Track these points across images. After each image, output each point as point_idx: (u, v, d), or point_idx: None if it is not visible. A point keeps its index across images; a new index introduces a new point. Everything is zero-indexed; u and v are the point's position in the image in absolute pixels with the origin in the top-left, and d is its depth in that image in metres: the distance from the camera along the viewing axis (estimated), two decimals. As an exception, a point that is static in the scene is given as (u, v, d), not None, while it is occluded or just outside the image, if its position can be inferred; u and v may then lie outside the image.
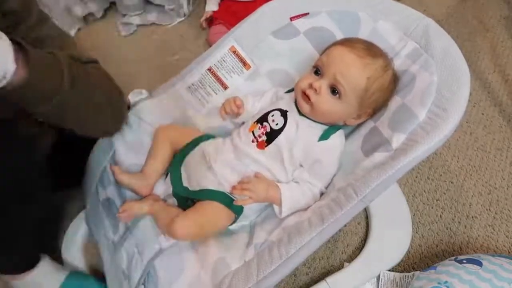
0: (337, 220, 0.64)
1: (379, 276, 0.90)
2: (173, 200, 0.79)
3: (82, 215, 0.90)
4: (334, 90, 0.70)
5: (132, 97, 0.86)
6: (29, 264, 0.79)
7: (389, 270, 0.91)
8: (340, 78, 0.69)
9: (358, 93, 0.70)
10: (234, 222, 0.75)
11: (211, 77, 0.87)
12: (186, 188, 0.77)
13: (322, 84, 0.70)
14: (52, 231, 0.95)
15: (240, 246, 0.73)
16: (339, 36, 0.83)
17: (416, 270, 0.91)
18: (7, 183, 0.60)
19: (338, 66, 0.69)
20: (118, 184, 0.80)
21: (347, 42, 0.73)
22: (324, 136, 0.73)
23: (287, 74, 0.86)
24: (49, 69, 0.58)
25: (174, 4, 1.43)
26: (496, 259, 0.80)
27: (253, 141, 0.74)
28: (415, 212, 1.02)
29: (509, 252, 0.97)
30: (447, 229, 1.00)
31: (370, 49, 0.71)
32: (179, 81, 0.88)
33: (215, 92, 0.87)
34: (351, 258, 0.94)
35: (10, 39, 0.51)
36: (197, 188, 0.75)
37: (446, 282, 0.75)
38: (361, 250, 0.94)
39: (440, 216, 1.02)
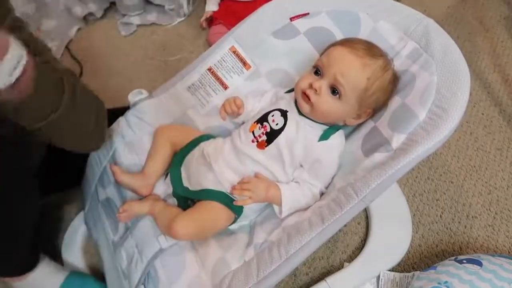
0: (337, 220, 0.64)
1: (379, 276, 0.90)
2: (173, 200, 0.79)
3: (81, 215, 0.90)
4: (334, 90, 0.70)
5: (132, 97, 0.86)
6: (27, 267, 0.79)
7: (389, 270, 0.91)
8: (340, 78, 0.69)
9: (358, 93, 0.70)
10: (234, 222, 0.75)
11: (211, 77, 0.87)
12: (186, 188, 0.77)
13: (322, 84, 0.70)
14: (50, 232, 0.95)
15: (240, 246, 0.73)
16: (339, 36, 0.83)
17: (416, 270, 0.91)
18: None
19: (338, 66, 0.69)
20: (118, 184, 0.80)
21: (347, 43, 0.73)
22: (324, 136, 0.73)
23: (287, 74, 0.86)
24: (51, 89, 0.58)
25: (174, 4, 1.43)
26: (496, 259, 0.80)
27: (253, 141, 0.74)
28: (415, 212, 1.02)
29: (509, 252, 0.97)
30: (447, 229, 1.00)
31: (370, 49, 0.71)
32: (179, 81, 0.88)
33: (215, 92, 0.87)
34: (351, 258, 0.94)
35: None
36: (197, 188, 0.75)
37: (446, 282, 0.75)
38: (361, 250, 0.94)
39: (440, 216, 1.02)
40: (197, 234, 0.72)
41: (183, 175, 0.79)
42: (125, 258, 0.75)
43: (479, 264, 0.78)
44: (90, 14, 1.45)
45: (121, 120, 0.85)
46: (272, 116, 0.75)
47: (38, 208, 0.76)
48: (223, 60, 0.87)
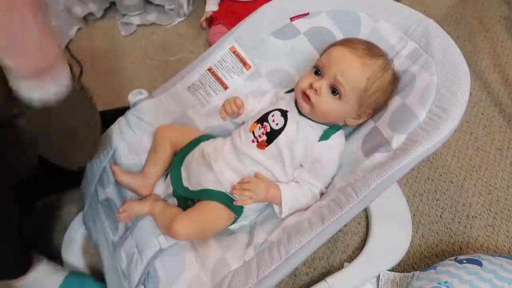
0: (337, 220, 0.64)
1: (379, 276, 0.90)
2: (173, 200, 0.79)
3: (81, 215, 0.90)
4: (334, 90, 0.70)
5: (132, 97, 0.86)
6: (20, 270, 0.78)
7: (389, 270, 0.91)
8: (340, 78, 0.69)
9: (358, 93, 0.70)
10: (234, 222, 0.75)
11: (211, 77, 0.87)
12: (186, 188, 0.77)
13: (323, 84, 0.70)
14: (50, 232, 0.95)
15: (240, 246, 0.73)
16: (339, 36, 0.83)
17: (416, 270, 0.91)
18: None
19: (338, 66, 0.69)
20: (118, 184, 0.80)
21: (347, 43, 0.73)
22: (324, 136, 0.73)
23: (287, 74, 0.86)
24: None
25: (174, 4, 1.43)
26: (496, 259, 0.80)
27: (253, 141, 0.74)
28: (415, 212, 1.02)
29: (509, 252, 0.97)
30: (447, 229, 1.00)
31: (370, 50, 0.71)
32: (179, 81, 0.88)
33: (215, 92, 0.87)
34: (351, 258, 0.94)
35: None
36: (197, 188, 0.75)
37: (446, 282, 0.75)
38: (361, 250, 0.94)
39: (440, 216, 1.02)
40: (197, 234, 0.72)
41: (183, 175, 0.79)
42: (125, 258, 0.75)
43: (479, 264, 0.78)
44: (90, 14, 1.45)
45: (121, 120, 0.85)
46: (272, 116, 0.75)
47: (17, 216, 0.74)
48: (223, 60, 0.87)
